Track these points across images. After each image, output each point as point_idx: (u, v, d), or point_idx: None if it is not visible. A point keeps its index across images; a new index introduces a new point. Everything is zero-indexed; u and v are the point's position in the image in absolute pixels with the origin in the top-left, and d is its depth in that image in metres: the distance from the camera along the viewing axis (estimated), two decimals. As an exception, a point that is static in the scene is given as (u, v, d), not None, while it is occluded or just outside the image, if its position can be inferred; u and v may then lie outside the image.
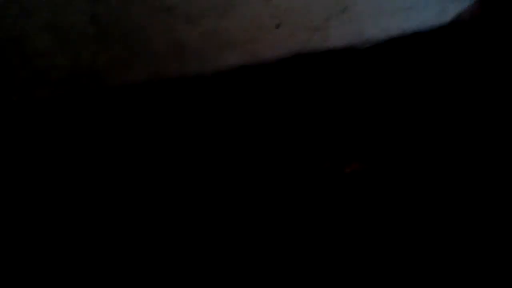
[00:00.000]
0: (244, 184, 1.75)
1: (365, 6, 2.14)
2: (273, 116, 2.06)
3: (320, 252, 1.43)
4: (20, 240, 1.50)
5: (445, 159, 1.79)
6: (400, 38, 2.24)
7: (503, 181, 1.69)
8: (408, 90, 2.15)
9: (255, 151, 1.92)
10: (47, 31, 1.75)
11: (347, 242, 1.45)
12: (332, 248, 1.44)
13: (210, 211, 1.63)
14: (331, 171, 1.71)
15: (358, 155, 1.82)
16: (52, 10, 1.71)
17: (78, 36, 1.78)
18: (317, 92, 2.14)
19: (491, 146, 1.85)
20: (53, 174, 1.79)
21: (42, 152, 1.84)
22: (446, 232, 1.47)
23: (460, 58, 2.19)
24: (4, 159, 1.81)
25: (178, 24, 1.89)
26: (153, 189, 1.76)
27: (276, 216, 1.56)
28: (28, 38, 1.74)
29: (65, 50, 1.79)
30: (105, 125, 1.89)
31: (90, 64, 1.83)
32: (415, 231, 1.49)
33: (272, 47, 2.11)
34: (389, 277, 1.36)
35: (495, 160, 1.78)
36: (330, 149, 1.88)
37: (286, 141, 1.97)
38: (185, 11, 1.85)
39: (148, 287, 1.36)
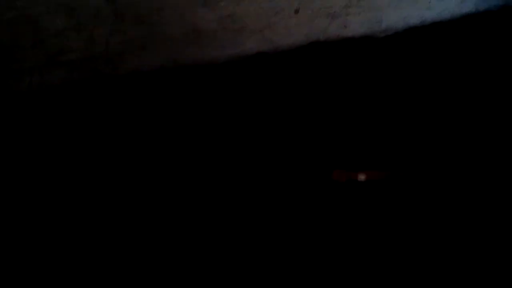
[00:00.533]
0: (251, 180, 1.70)
1: (385, -7, 2.09)
2: (288, 105, 2.01)
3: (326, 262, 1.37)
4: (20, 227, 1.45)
5: (471, 162, 1.73)
6: (420, 27, 2.19)
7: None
8: (427, 81, 2.09)
9: (267, 143, 1.86)
10: (61, 11, 1.69)
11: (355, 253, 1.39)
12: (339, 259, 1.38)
13: (220, 202, 1.57)
14: (343, 178, 1.65)
15: (375, 158, 1.76)
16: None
17: (93, 17, 1.72)
18: (334, 81, 2.08)
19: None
20: (62, 162, 1.73)
21: (50, 141, 1.79)
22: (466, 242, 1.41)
23: (482, 49, 2.14)
24: (12, 147, 1.76)
25: (196, 8, 1.83)
26: (166, 179, 1.71)
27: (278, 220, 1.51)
28: (42, 18, 1.68)
29: (79, 31, 1.73)
30: (118, 113, 1.83)
31: (104, 47, 1.77)
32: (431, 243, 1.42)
33: (289, 34, 2.06)
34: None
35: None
36: (345, 151, 1.82)
37: (301, 132, 1.92)
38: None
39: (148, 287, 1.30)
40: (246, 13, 1.94)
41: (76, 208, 1.57)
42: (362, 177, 1.64)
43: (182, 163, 1.74)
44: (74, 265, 1.35)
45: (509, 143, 1.77)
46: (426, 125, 1.91)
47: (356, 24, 2.13)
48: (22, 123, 1.82)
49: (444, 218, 1.50)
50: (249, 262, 1.35)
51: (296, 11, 2.00)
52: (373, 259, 1.37)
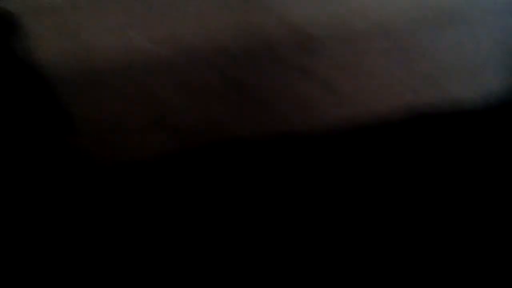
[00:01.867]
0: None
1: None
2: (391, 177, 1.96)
3: None
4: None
5: None
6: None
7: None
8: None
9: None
10: (181, 88, 1.76)
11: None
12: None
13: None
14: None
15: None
16: (185, 70, 1.73)
17: (210, 93, 1.78)
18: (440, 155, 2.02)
19: None
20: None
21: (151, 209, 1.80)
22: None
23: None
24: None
25: (306, 82, 1.87)
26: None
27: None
28: (162, 94, 1.75)
29: (196, 106, 1.79)
30: (221, 181, 1.84)
31: (211, 115, 1.82)
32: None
33: (387, 100, 2.04)
34: None
35: None
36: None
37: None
38: (314, 70, 1.84)
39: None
40: (345, 82, 1.95)
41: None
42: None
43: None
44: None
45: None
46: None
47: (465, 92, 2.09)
48: (121, 187, 1.84)
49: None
50: None
51: (393, 76, 2.00)
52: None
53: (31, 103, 1.70)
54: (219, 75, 1.80)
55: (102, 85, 1.71)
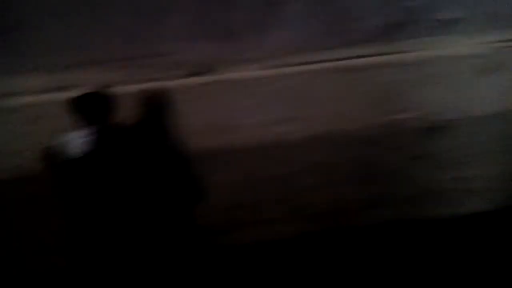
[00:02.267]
0: None
1: None
2: None
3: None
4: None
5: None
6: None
7: None
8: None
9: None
10: (313, 168, 1.80)
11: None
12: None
13: None
14: None
15: None
16: (318, 153, 1.77)
17: (341, 176, 1.81)
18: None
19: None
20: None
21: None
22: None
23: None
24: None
25: (428, 170, 1.88)
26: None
27: None
28: (293, 176, 1.79)
29: (327, 188, 1.81)
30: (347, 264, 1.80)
31: (345, 203, 1.84)
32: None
33: (501, 190, 2.03)
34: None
35: None
36: None
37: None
38: (435, 159, 1.87)
39: None
40: (475, 176, 1.96)
41: None
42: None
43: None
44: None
45: None
46: None
47: None
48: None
49: None
50: None
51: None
52: None
53: (170, 173, 1.71)
54: (349, 159, 1.84)
55: (239, 166, 1.75)
